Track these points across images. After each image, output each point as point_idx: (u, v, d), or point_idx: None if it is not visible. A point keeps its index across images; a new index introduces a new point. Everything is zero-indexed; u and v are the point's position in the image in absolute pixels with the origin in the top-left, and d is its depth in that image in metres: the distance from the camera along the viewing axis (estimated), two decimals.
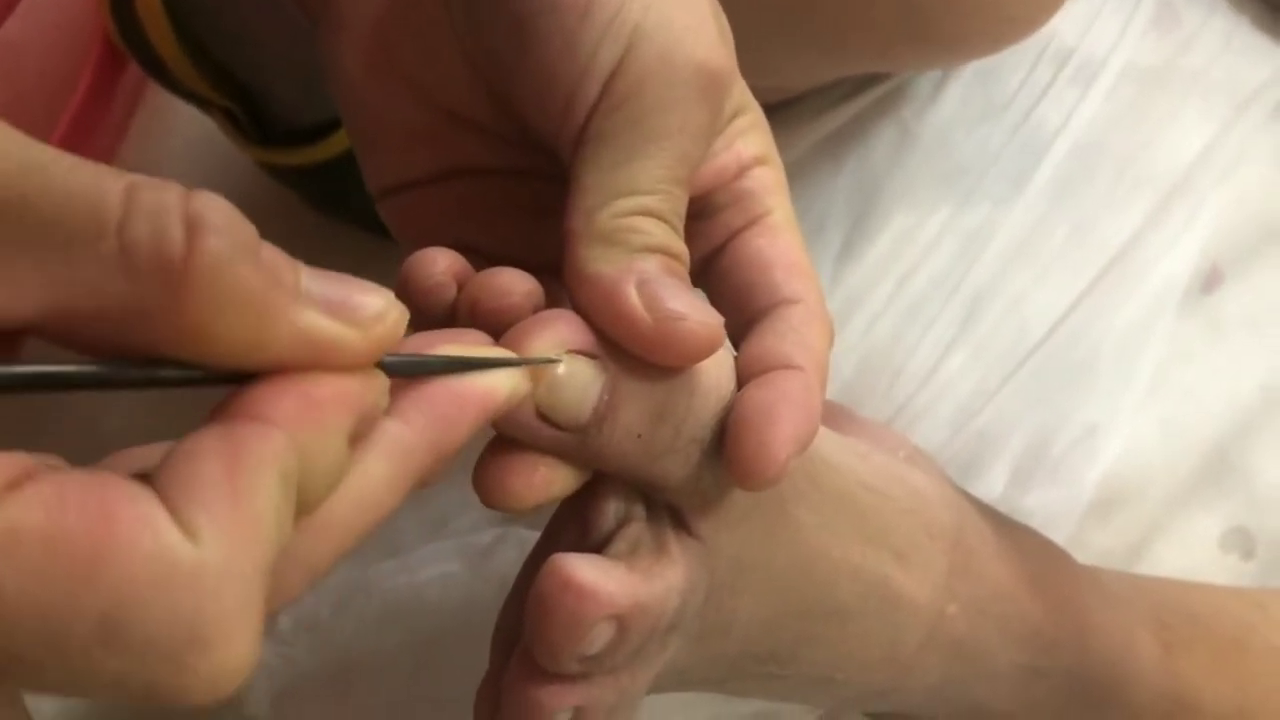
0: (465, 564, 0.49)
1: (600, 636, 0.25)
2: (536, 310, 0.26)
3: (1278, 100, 0.55)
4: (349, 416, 0.19)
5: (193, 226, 0.17)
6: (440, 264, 0.26)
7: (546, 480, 0.26)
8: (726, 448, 0.26)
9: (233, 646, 0.16)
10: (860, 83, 0.53)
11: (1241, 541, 0.52)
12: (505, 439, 0.26)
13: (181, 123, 0.64)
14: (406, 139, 0.31)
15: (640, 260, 0.26)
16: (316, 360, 0.19)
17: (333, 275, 0.20)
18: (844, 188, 0.53)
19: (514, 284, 0.26)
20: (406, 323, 0.21)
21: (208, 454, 0.17)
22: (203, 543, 0.16)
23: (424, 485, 0.22)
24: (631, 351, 0.26)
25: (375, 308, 0.20)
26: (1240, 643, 0.44)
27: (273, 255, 0.18)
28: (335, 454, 0.19)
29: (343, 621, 0.49)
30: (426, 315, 0.27)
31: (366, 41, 0.30)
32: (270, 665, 0.50)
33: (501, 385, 0.23)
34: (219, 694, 0.16)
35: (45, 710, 0.64)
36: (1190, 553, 0.51)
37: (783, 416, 0.26)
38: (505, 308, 0.26)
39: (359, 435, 0.20)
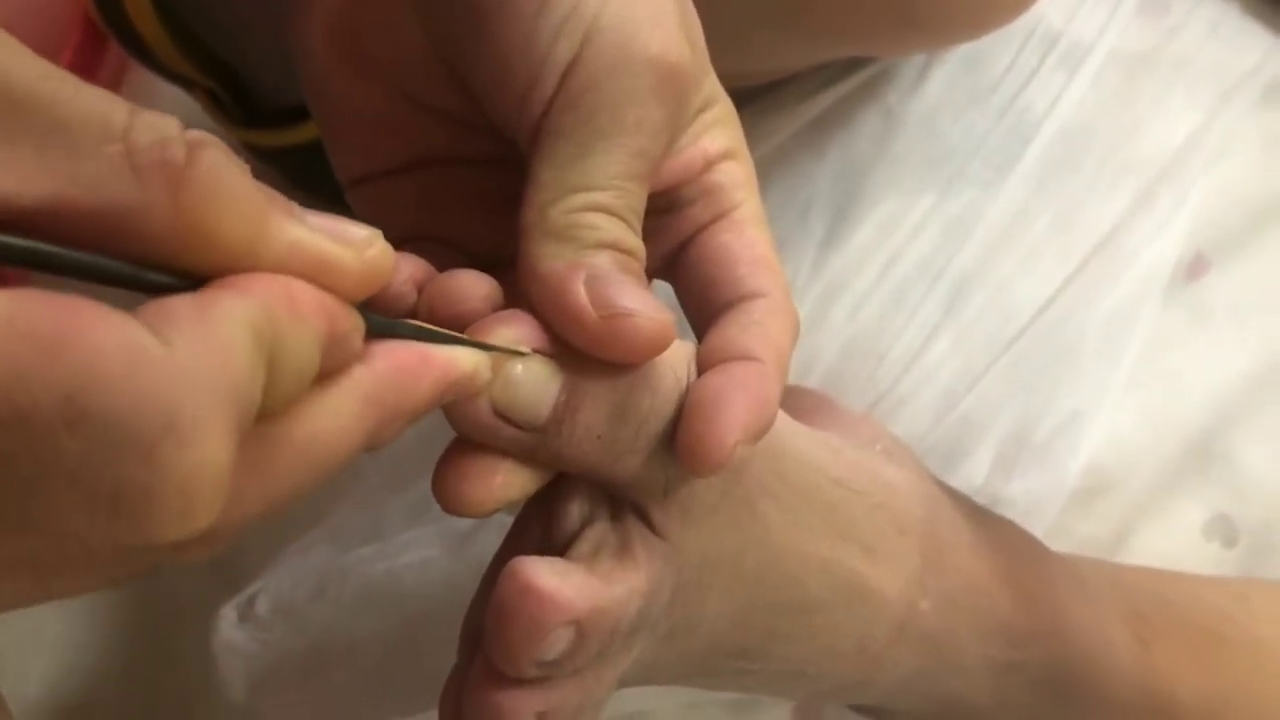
0: (444, 549, 0.49)
1: (559, 642, 0.25)
2: (493, 313, 0.26)
3: (1264, 87, 0.54)
4: (323, 323, 0.19)
5: (193, 143, 0.18)
6: (402, 272, 0.26)
7: (504, 485, 0.26)
8: (677, 433, 0.26)
9: (206, 446, 0.16)
10: (845, 67, 0.52)
11: (1224, 529, 0.51)
12: (464, 443, 0.26)
13: (164, 103, 0.64)
14: (374, 128, 0.31)
15: (591, 256, 0.26)
16: (310, 277, 0.20)
17: (324, 214, 0.21)
18: (828, 173, 0.52)
19: (471, 287, 0.26)
20: (394, 259, 0.22)
21: (180, 299, 0.17)
22: (174, 345, 0.16)
23: (375, 444, 0.22)
24: (580, 349, 0.25)
25: (366, 234, 0.21)
26: (1218, 634, 0.44)
27: (267, 187, 0.19)
28: (306, 351, 0.19)
29: (321, 606, 0.49)
30: None
31: (333, 31, 0.30)
32: (247, 650, 0.50)
33: (464, 360, 0.24)
34: (190, 512, 0.16)
35: (30, 694, 0.64)
36: (1173, 540, 0.51)
37: (734, 403, 0.26)
38: (462, 314, 0.26)
39: (329, 370, 0.20)
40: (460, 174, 0.32)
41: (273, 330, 0.18)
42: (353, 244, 0.21)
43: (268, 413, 0.19)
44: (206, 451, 0.16)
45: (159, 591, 0.69)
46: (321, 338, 0.19)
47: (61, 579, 0.19)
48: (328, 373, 0.20)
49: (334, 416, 0.20)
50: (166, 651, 0.68)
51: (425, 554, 0.49)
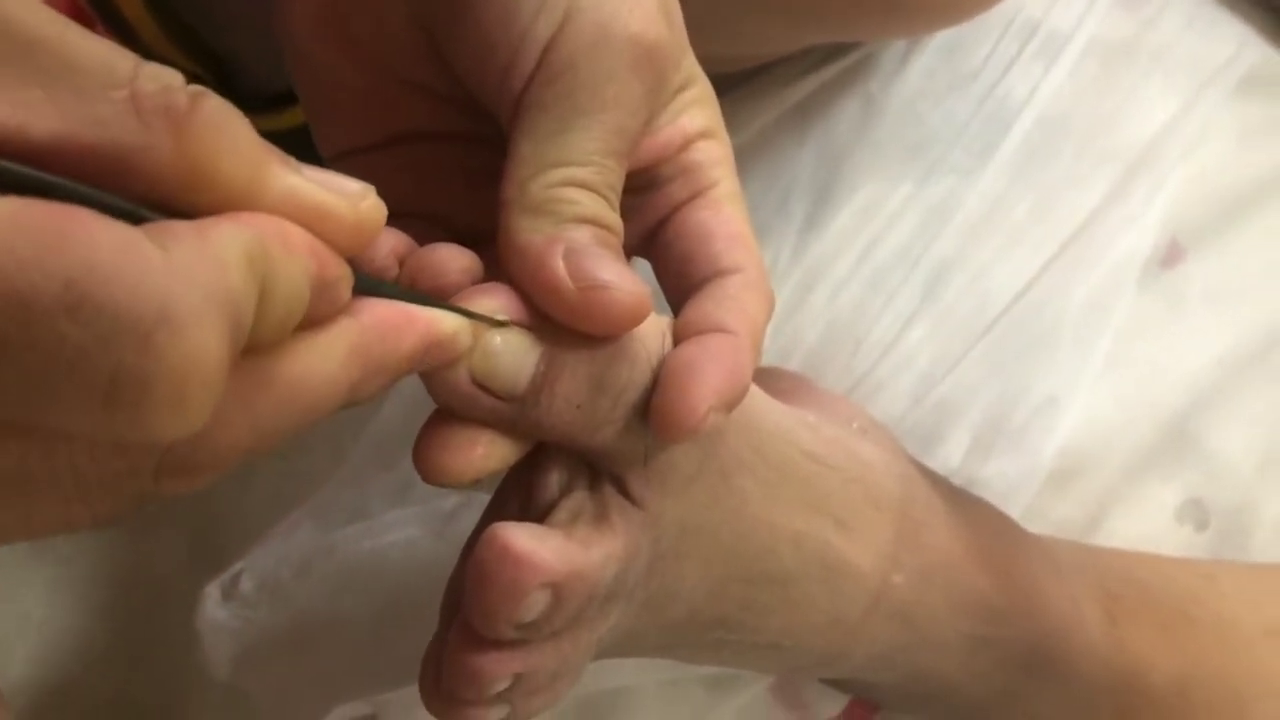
0: (428, 529, 0.50)
1: (536, 604, 0.26)
2: (473, 286, 0.26)
3: (1240, 77, 0.55)
4: (314, 263, 0.20)
5: (194, 93, 0.19)
6: (384, 246, 0.27)
7: (484, 456, 0.26)
8: (652, 400, 0.27)
9: (200, 338, 0.17)
10: (827, 53, 0.53)
11: (1196, 513, 0.52)
12: (445, 414, 0.26)
13: None
14: (356, 103, 0.31)
15: (569, 230, 0.26)
16: (304, 223, 0.20)
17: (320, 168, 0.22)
18: (809, 158, 0.53)
19: (451, 260, 0.26)
20: (384, 214, 0.22)
21: (178, 221, 0.18)
22: (171, 251, 0.17)
23: (356, 398, 0.22)
24: (559, 320, 0.26)
25: (359, 187, 0.22)
26: (1186, 614, 0.44)
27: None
28: (296, 285, 0.20)
29: (305, 584, 0.50)
30: None
31: (318, 7, 0.31)
32: (231, 627, 0.50)
33: (446, 322, 0.25)
34: (184, 403, 0.17)
35: (15, 676, 0.65)
36: (1146, 524, 0.52)
37: (708, 372, 0.26)
38: (443, 286, 0.26)
39: (317, 318, 0.21)
40: (441, 149, 0.32)
41: (266, 259, 0.19)
42: (347, 195, 0.21)
43: (258, 344, 0.19)
44: (200, 342, 0.17)
45: (143, 572, 0.69)
46: (312, 277, 0.20)
47: (46, 503, 0.19)
48: (316, 320, 0.21)
49: (321, 360, 0.21)
50: (151, 632, 0.69)
51: (409, 533, 0.50)
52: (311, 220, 0.20)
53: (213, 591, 0.52)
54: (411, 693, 0.37)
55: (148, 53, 0.56)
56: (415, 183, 0.32)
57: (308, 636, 0.48)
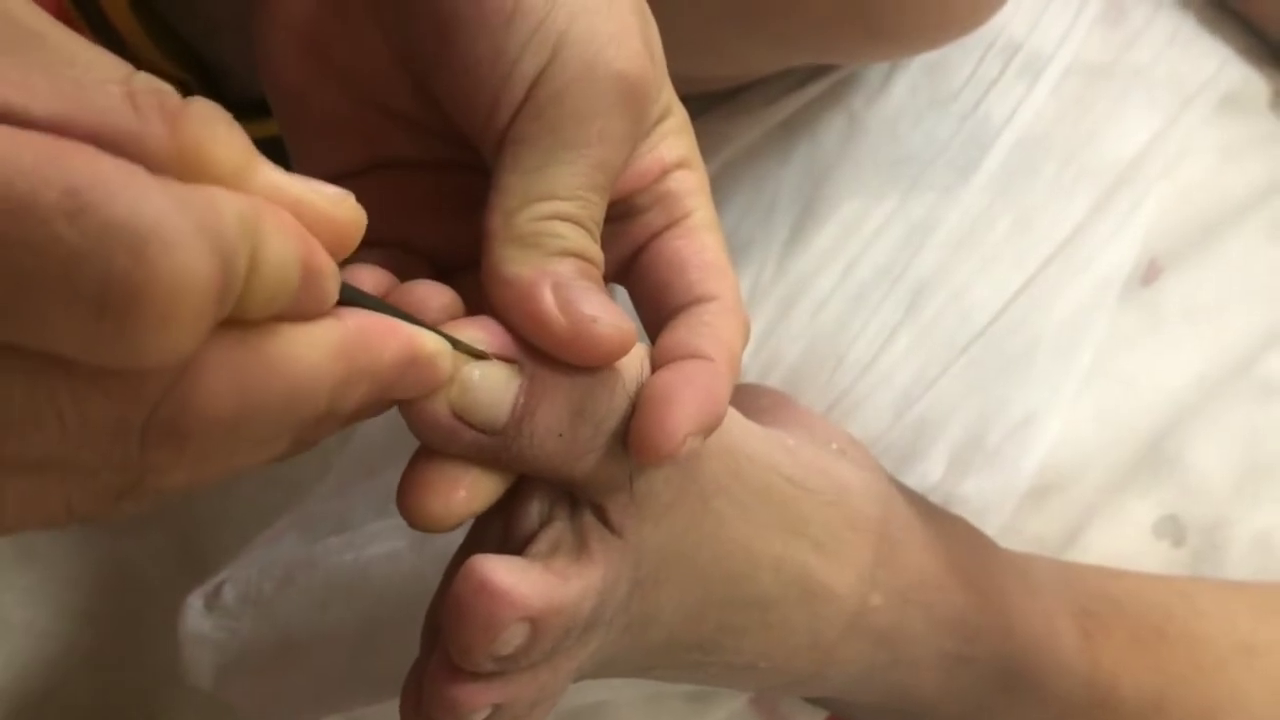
0: (411, 543, 0.50)
1: (514, 638, 0.26)
2: (452, 320, 0.27)
3: (1220, 97, 0.55)
4: (304, 246, 0.21)
5: (186, 98, 0.19)
6: (366, 282, 0.27)
7: (467, 499, 0.26)
8: (631, 426, 0.27)
9: (192, 255, 0.17)
10: (810, 73, 0.53)
11: (1173, 529, 0.53)
12: (427, 455, 0.26)
13: None
14: (335, 130, 0.32)
15: (556, 264, 0.27)
16: (294, 215, 0.21)
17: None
18: (792, 176, 0.53)
19: (431, 297, 0.27)
20: (364, 219, 0.23)
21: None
22: (169, 185, 0.18)
23: (338, 406, 0.23)
24: (546, 352, 0.26)
25: (340, 190, 0.23)
26: (1161, 631, 0.45)
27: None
28: (287, 259, 0.20)
29: (288, 596, 0.50)
30: None
31: (298, 33, 0.31)
32: (214, 638, 0.50)
33: (429, 341, 0.25)
34: (173, 319, 0.17)
35: None
36: (1123, 540, 0.52)
37: (685, 397, 0.27)
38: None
39: (304, 313, 0.21)
40: (420, 178, 0.32)
41: (257, 226, 0.19)
42: (326, 195, 0.22)
43: (246, 314, 0.20)
44: (191, 262, 0.17)
45: (125, 578, 0.69)
46: (301, 261, 0.20)
47: (24, 469, 0.19)
48: (303, 313, 0.21)
49: (308, 348, 0.21)
50: (132, 639, 0.69)
51: (392, 546, 0.50)
52: (295, 213, 0.21)
53: (195, 602, 0.52)
54: (391, 708, 0.37)
55: (134, 59, 0.56)
56: (392, 209, 0.32)
57: (290, 649, 0.49)
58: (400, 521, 0.50)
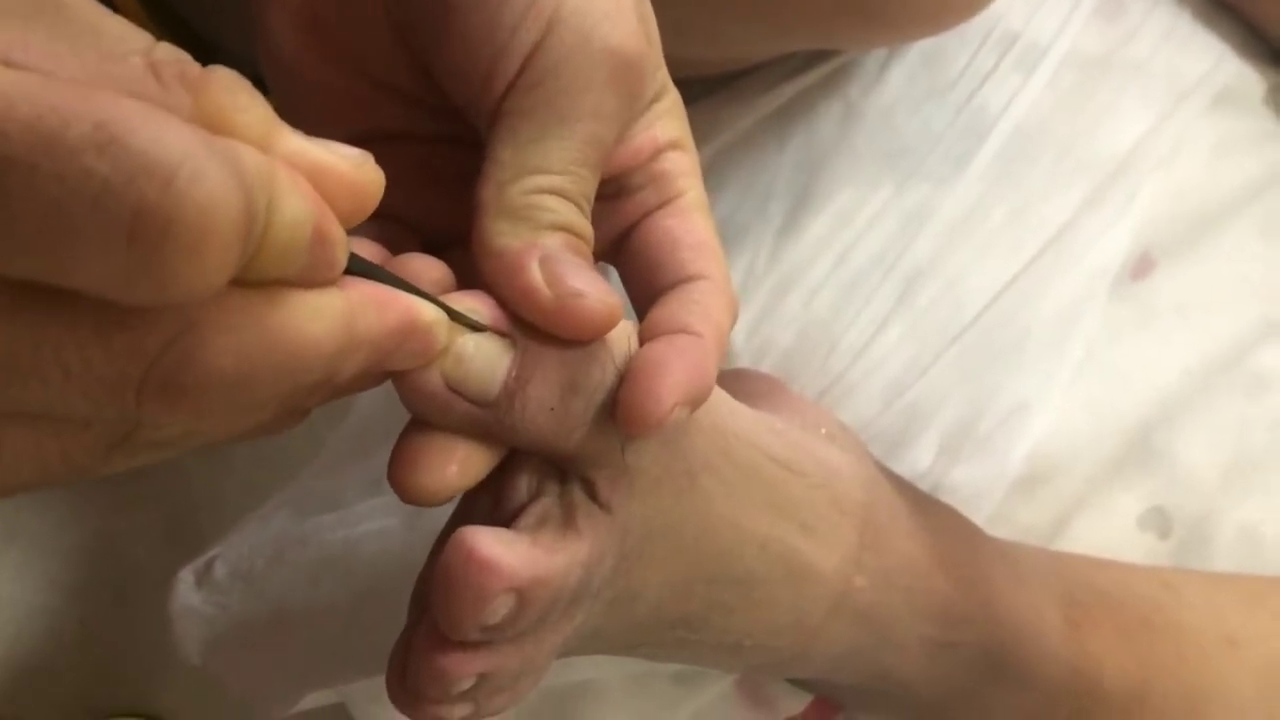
0: (401, 520, 0.50)
1: (501, 608, 0.26)
2: (445, 294, 0.27)
3: (1215, 93, 0.55)
4: (316, 210, 0.21)
5: (207, 67, 0.20)
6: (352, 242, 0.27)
7: (459, 473, 0.27)
8: (619, 396, 0.27)
9: (219, 186, 0.17)
10: (808, 60, 0.53)
11: (1159, 521, 0.53)
12: (418, 428, 0.27)
13: None
14: (330, 103, 0.32)
15: (545, 237, 0.27)
16: (312, 180, 0.21)
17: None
18: (788, 163, 0.53)
19: (424, 271, 0.27)
20: (383, 180, 0.23)
21: None
22: (192, 125, 0.18)
23: (336, 374, 0.23)
24: (533, 323, 0.27)
25: (359, 152, 0.23)
26: (1146, 621, 0.45)
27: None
28: (300, 218, 0.20)
29: (278, 572, 0.50)
30: None
31: (296, 6, 0.31)
32: (204, 613, 0.50)
33: (426, 310, 0.25)
34: (202, 249, 0.17)
35: None
36: (1110, 531, 0.53)
37: (674, 368, 0.27)
38: None
39: (310, 280, 0.21)
40: (414, 151, 0.33)
41: (274, 180, 0.19)
42: (348, 158, 0.22)
43: (257, 271, 0.20)
44: (220, 190, 0.17)
45: (116, 554, 0.69)
46: (315, 219, 0.21)
47: (24, 421, 0.19)
48: (309, 281, 0.22)
49: (312, 316, 0.21)
50: (121, 616, 0.69)
51: (383, 523, 0.50)
52: (316, 177, 0.21)
53: (186, 576, 0.52)
54: (378, 683, 0.37)
55: None
56: (387, 184, 0.32)
57: (280, 625, 0.49)
58: (392, 499, 0.51)
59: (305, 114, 0.32)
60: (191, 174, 0.17)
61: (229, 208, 0.17)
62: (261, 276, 0.20)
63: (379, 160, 0.32)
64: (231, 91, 0.20)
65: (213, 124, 0.19)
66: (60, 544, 0.70)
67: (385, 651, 0.30)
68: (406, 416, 0.28)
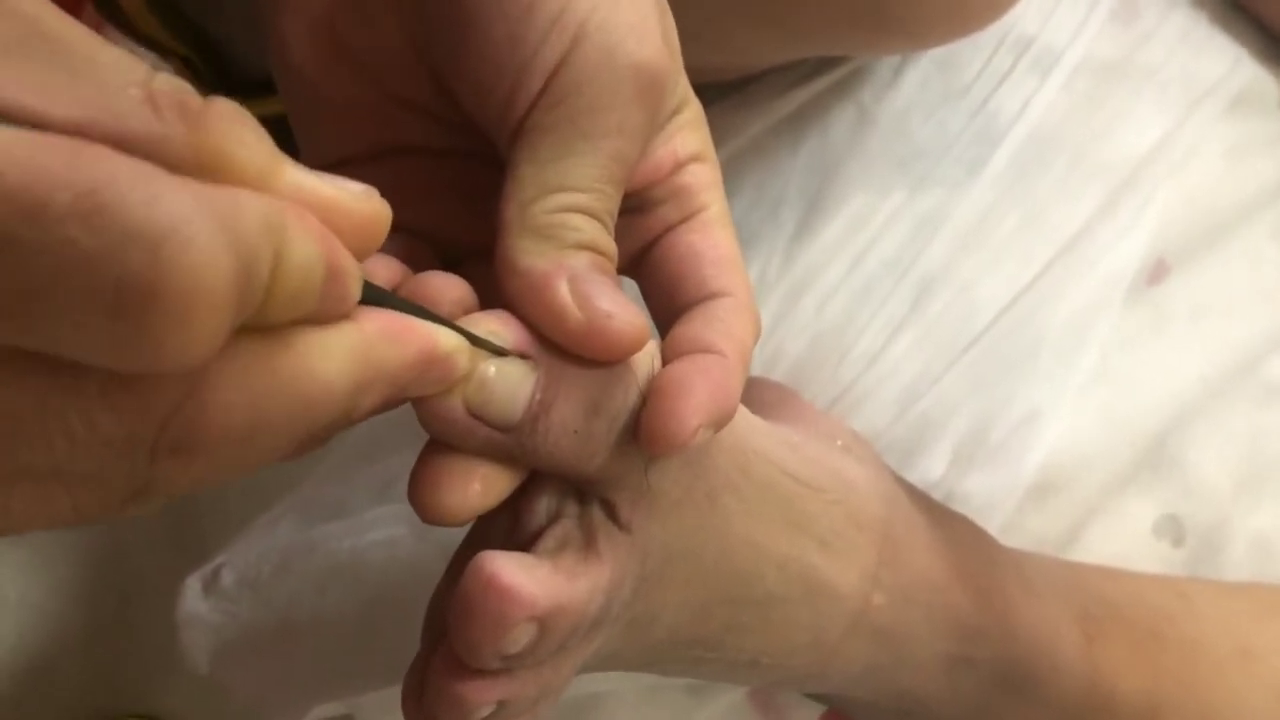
0: (411, 529, 0.50)
1: (522, 637, 0.26)
2: (467, 314, 0.26)
3: (1231, 97, 0.55)
4: (327, 246, 0.20)
5: (207, 99, 0.19)
6: (378, 275, 0.27)
7: (481, 493, 0.26)
8: (641, 416, 0.27)
9: (212, 256, 0.17)
10: (820, 65, 0.53)
11: (1173, 529, 0.53)
12: (438, 448, 0.26)
13: None
14: (345, 115, 0.31)
15: (571, 256, 0.26)
16: (316, 215, 0.20)
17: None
18: (801, 168, 0.53)
19: (445, 290, 0.26)
20: (389, 215, 0.23)
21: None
22: (186, 182, 0.17)
23: (352, 410, 0.22)
24: (559, 344, 0.26)
25: (363, 187, 0.22)
26: (1160, 634, 0.45)
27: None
28: (310, 262, 0.20)
29: (286, 582, 0.50)
30: None
31: (312, 16, 0.30)
32: (212, 621, 0.50)
33: (445, 339, 0.24)
34: (189, 319, 0.17)
35: None
36: (1123, 539, 0.52)
37: (698, 388, 0.27)
38: None
39: (323, 316, 0.21)
40: (430, 165, 0.32)
41: (282, 227, 0.19)
42: (353, 193, 0.22)
43: (267, 318, 0.19)
44: (209, 261, 0.17)
45: (120, 557, 0.69)
46: (325, 259, 0.20)
47: (29, 480, 0.19)
48: (323, 316, 0.21)
49: (325, 357, 0.21)
50: (124, 619, 0.68)
51: (391, 532, 0.50)
52: (321, 213, 0.21)
53: (193, 584, 0.52)
54: (388, 696, 0.36)
55: (137, 34, 0.56)
56: (402, 197, 0.32)
57: (288, 635, 0.49)
58: (400, 508, 0.51)
59: (319, 126, 0.32)
60: (180, 240, 0.16)
61: (218, 273, 0.17)
62: (274, 322, 0.20)
63: (396, 173, 0.32)
64: (232, 125, 0.19)
65: (212, 160, 0.19)
66: (64, 547, 0.70)
67: (395, 664, 0.29)
68: (415, 422, 0.27)
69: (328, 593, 0.49)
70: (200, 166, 0.18)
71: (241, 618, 0.50)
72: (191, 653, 0.50)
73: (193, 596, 0.51)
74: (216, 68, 0.57)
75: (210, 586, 0.51)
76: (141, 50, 0.58)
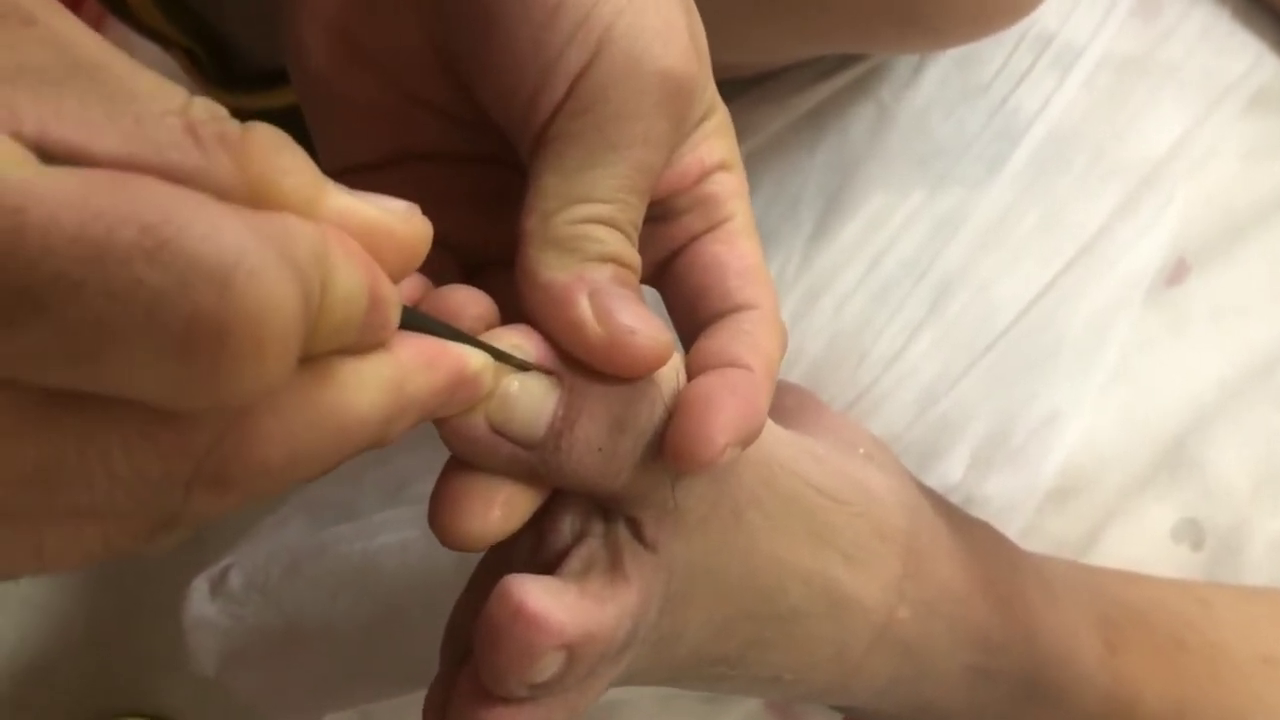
0: (424, 531, 0.49)
1: (550, 666, 0.25)
2: (489, 330, 0.26)
3: (1252, 95, 0.54)
4: (369, 276, 0.20)
5: (246, 125, 0.18)
6: (401, 290, 0.26)
7: (503, 518, 0.26)
8: (667, 431, 0.26)
9: (280, 286, 0.16)
10: (839, 62, 0.52)
11: (1192, 533, 0.52)
12: (459, 466, 0.26)
13: (141, 61, 0.63)
14: (363, 119, 0.31)
15: (593, 270, 0.26)
16: (362, 240, 0.20)
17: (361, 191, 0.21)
18: (820, 166, 0.52)
19: (467, 305, 0.26)
20: (431, 232, 0.22)
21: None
22: (240, 211, 0.17)
23: (386, 436, 0.22)
24: (580, 359, 0.26)
25: (405, 205, 0.21)
26: (1180, 640, 0.44)
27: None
28: (355, 291, 0.19)
29: (295, 584, 0.49)
30: None
31: (330, 19, 0.30)
32: (220, 624, 0.50)
33: (473, 359, 0.24)
34: (261, 353, 0.16)
35: None
36: (1142, 542, 0.52)
37: (725, 404, 0.26)
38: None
39: (360, 347, 0.20)
40: (449, 170, 0.31)
41: (327, 256, 0.18)
42: (395, 214, 0.21)
43: (312, 349, 0.19)
44: (278, 290, 0.16)
45: (122, 560, 0.69)
46: (368, 289, 0.19)
47: (65, 520, 0.18)
48: (359, 349, 0.20)
49: (359, 389, 0.20)
50: (128, 620, 0.68)
51: (403, 535, 0.49)
52: (366, 237, 0.20)
53: (201, 586, 0.51)
54: (399, 704, 0.36)
55: (141, 26, 0.55)
56: (421, 202, 0.31)
57: (297, 639, 0.48)
58: (411, 510, 0.50)
59: (337, 130, 0.31)
60: (248, 273, 0.16)
61: (287, 304, 0.16)
62: (315, 353, 0.19)
63: (414, 178, 0.31)
64: (275, 153, 0.18)
65: (257, 190, 0.18)
66: None
67: (406, 671, 0.29)
68: (437, 436, 0.27)
69: (338, 598, 0.48)
70: (248, 198, 0.18)
71: (249, 621, 0.49)
72: (199, 656, 0.50)
73: (200, 598, 0.51)
74: (220, 60, 0.57)
75: (218, 588, 0.50)
76: (145, 42, 0.57)
